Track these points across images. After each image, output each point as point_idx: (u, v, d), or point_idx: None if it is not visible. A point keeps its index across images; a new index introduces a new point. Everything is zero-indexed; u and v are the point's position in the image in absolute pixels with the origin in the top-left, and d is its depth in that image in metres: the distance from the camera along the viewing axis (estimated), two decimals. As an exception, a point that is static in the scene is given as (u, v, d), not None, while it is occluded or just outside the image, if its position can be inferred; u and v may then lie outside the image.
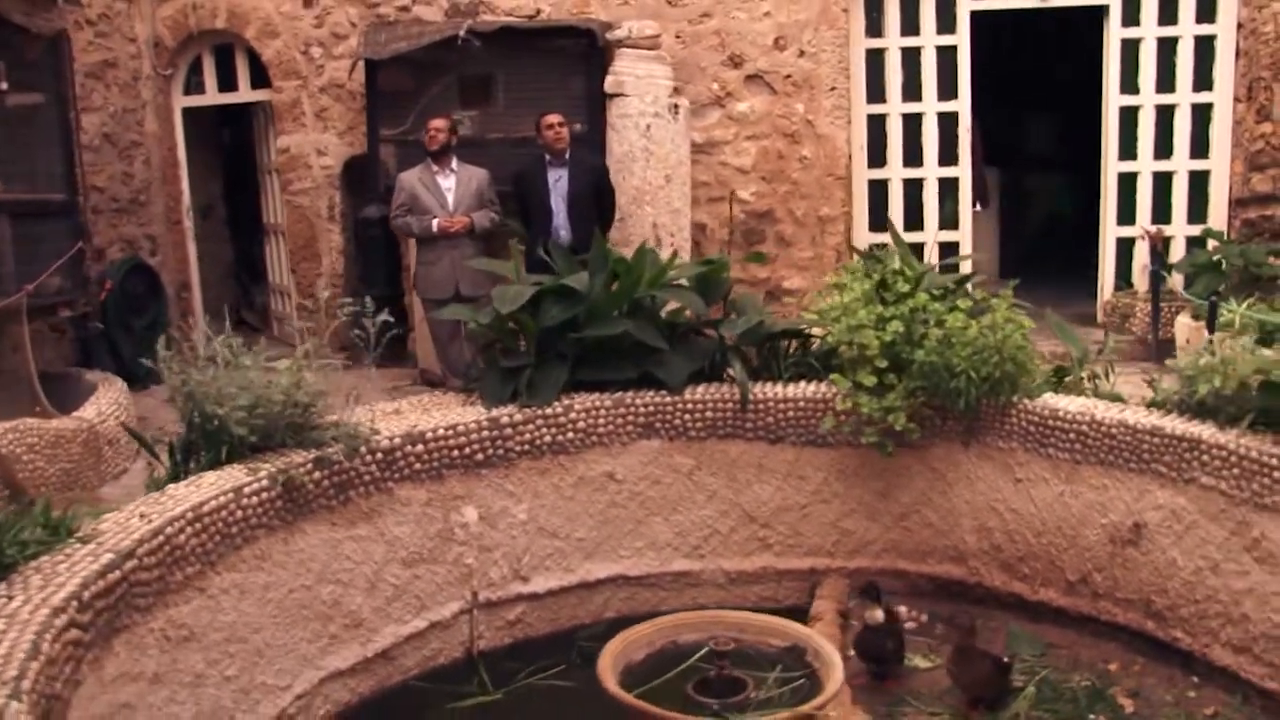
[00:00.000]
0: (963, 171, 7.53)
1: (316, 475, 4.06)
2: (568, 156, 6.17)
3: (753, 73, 7.31)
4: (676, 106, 6.77)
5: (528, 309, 4.77)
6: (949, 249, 7.60)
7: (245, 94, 7.92)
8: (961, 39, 7.37)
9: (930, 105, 7.50)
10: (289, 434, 4.09)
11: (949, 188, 7.59)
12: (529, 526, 4.75)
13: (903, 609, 4.68)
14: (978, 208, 7.74)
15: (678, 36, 7.32)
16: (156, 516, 3.45)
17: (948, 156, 7.55)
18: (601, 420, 4.82)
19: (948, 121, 7.51)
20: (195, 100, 7.98)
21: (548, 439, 4.73)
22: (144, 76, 7.64)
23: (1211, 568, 3.91)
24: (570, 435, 4.78)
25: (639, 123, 6.69)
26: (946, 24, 7.38)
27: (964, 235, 7.60)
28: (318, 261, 7.86)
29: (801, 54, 7.23)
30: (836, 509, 4.89)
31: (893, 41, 7.46)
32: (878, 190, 7.68)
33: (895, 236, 5.12)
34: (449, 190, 6.19)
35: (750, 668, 3.30)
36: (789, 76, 7.27)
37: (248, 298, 9.26)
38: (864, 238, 7.68)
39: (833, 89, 7.24)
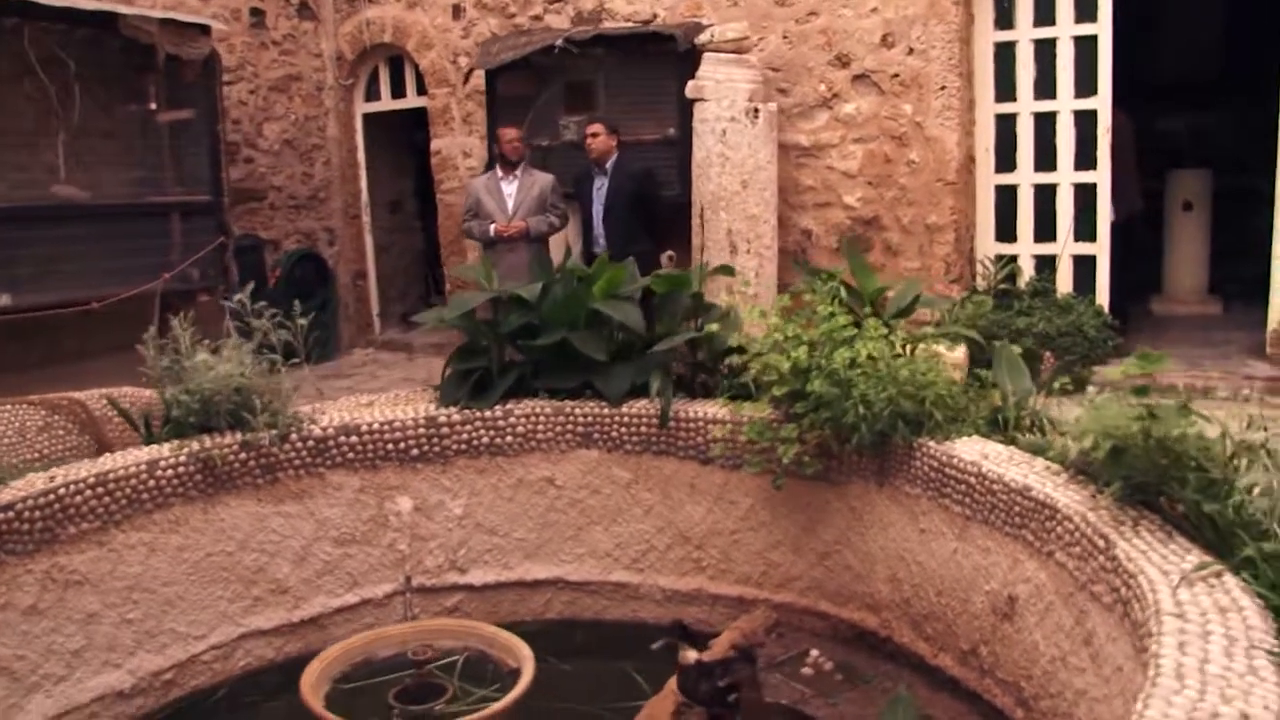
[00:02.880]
0: (1100, 176, 6.68)
1: (243, 456, 4.58)
2: (609, 165, 6.27)
3: (860, 72, 6.95)
4: (756, 110, 6.62)
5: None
6: (1085, 263, 6.80)
7: (412, 100, 8.73)
8: (1103, 27, 6.53)
9: (1065, 103, 6.73)
10: (227, 418, 4.65)
11: (1087, 195, 6.77)
12: (466, 522, 4.99)
13: (815, 653, 4.44)
14: (1112, 217, 6.80)
15: (785, 36, 7.13)
16: (60, 478, 4.12)
17: (1085, 160, 6.72)
18: (541, 426, 4.95)
19: (1085, 120, 6.69)
20: (372, 107, 8.91)
21: (485, 440, 4.94)
22: (327, 87, 8.67)
23: (1061, 659, 3.39)
24: (509, 439, 4.96)
25: (715, 127, 6.62)
26: (1086, 10, 6.57)
27: (1100, 248, 6.74)
28: (464, 256, 8.51)
29: (910, 51, 6.77)
30: (764, 538, 4.69)
31: (1024, 33, 6.77)
32: (1006, 196, 7.01)
33: (854, 257, 4.74)
34: (510, 196, 6.52)
35: (479, 682, 3.37)
36: (896, 75, 6.83)
37: (437, 284, 10.16)
38: (989, 248, 7.06)
39: (942, 88, 6.71)
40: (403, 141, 9.56)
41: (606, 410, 4.87)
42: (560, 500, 5.00)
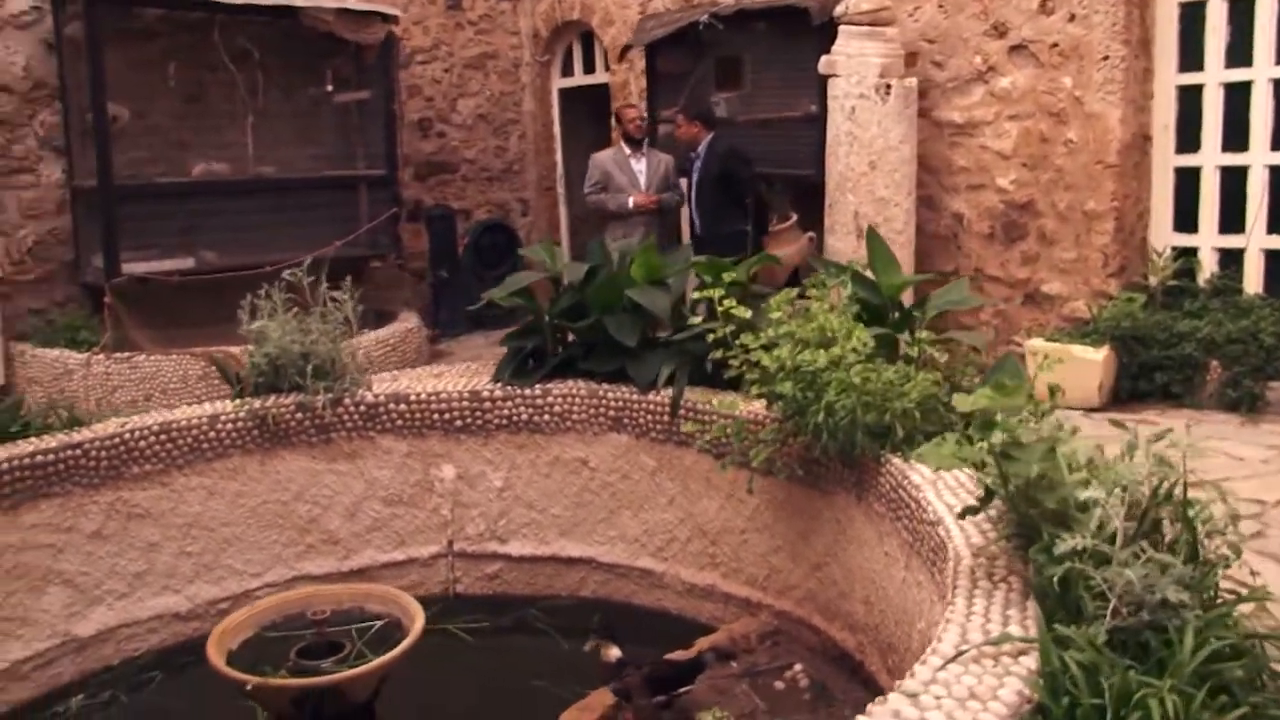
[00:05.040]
0: (1302, 159, 5.62)
1: (299, 416, 5.04)
2: (701, 148, 6.17)
3: (1017, 42, 6.27)
4: (889, 87, 6.18)
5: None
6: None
7: (600, 76, 8.91)
8: (1312, -20, 5.46)
9: (1263, 70, 5.70)
10: (292, 380, 5.11)
11: (1286, 180, 5.73)
12: (506, 494, 5.19)
13: (798, 668, 4.23)
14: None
15: (940, 5, 6.57)
16: (130, 424, 4.76)
17: (1285, 139, 5.69)
18: (576, 407, 5.04)
19: (1287, 92, 5.65)
20: (567, 82, 9.19)
21: (524, 417, 5.10)
22: (523, 64, 9.05)
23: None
24: (547, 417, 5.08)
25: (844, 105, 6.27)
26: (1294, -39, 5.52)
27: (1298, 243, 5.69)
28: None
29: (1071, 18, 6.01)
30: (768, 541, 4.51)
31: (1215, -10, 5.80)
32: (1188, 180, 6.08)
33: (874, 246, 4.34)
34: (641, 172, 6.63)
35: (386, 645, 3.56)
36: (1056, 45, 6.10)
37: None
38: (1166, 238, 6.17)
39: (1105, 59, 5.91)
40: (605, 116, 9.80)
41: (635, 396, 4.88)
42: (594, 482, 5.07)
